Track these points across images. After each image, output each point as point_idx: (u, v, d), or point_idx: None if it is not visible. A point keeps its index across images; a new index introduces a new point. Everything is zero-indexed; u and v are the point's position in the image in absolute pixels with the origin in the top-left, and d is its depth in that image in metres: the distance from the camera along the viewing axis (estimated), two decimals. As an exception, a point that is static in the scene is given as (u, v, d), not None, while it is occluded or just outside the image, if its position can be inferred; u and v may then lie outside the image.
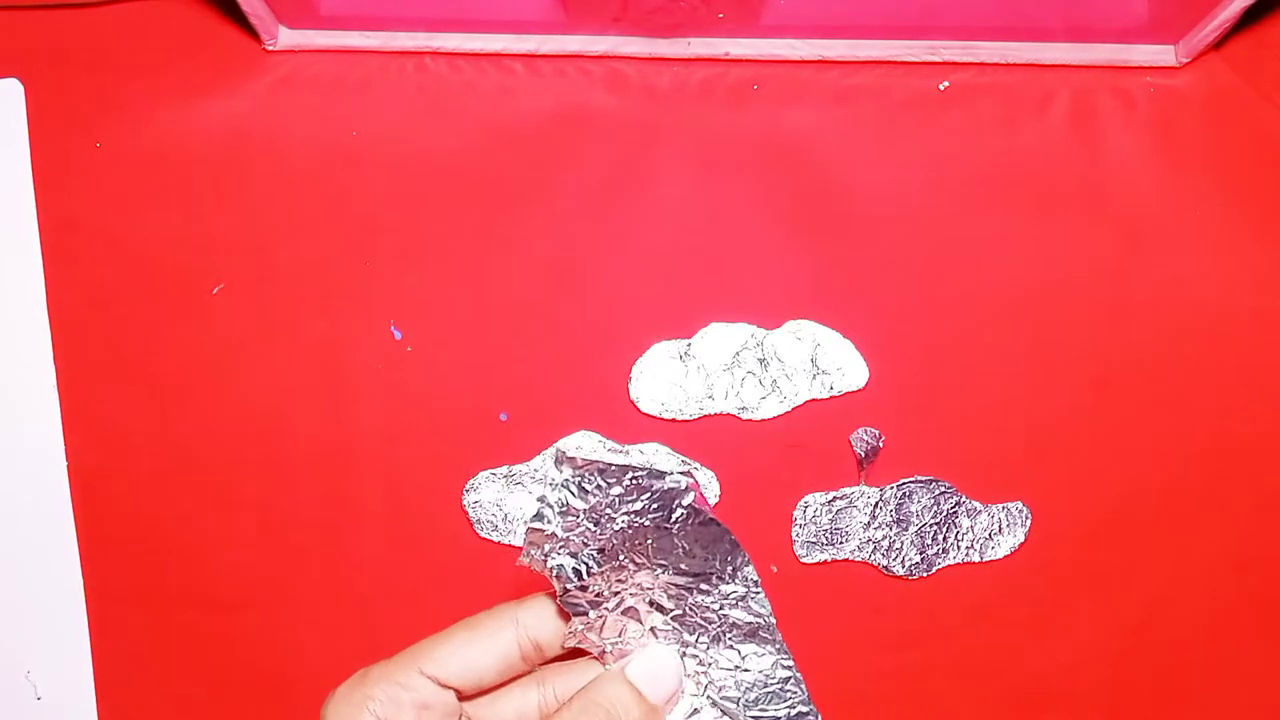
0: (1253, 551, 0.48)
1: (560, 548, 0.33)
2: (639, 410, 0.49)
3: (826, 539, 0.48)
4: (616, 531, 0.33)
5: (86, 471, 0.50)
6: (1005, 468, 0.49)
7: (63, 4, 0.55)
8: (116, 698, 0.48)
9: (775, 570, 0.48)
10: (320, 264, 0.51)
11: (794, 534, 0.48)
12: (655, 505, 0.32)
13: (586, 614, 0.34)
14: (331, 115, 0.53)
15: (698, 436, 0.49)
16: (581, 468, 0.32)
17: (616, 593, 0.34)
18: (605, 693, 0.33)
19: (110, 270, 0.52)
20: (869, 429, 0.49)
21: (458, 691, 0.33)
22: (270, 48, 0.54)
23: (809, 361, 0.49)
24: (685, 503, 0.32)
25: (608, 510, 0.33)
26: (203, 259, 0.52)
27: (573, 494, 0.33)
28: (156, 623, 0.48)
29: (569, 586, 0.34)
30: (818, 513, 0.48)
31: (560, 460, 0.33)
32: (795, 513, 0.48)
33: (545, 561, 0.33)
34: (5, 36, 0.54)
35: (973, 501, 0.48)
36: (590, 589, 0.34)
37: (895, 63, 0.53)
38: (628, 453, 0.49)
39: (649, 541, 0.33)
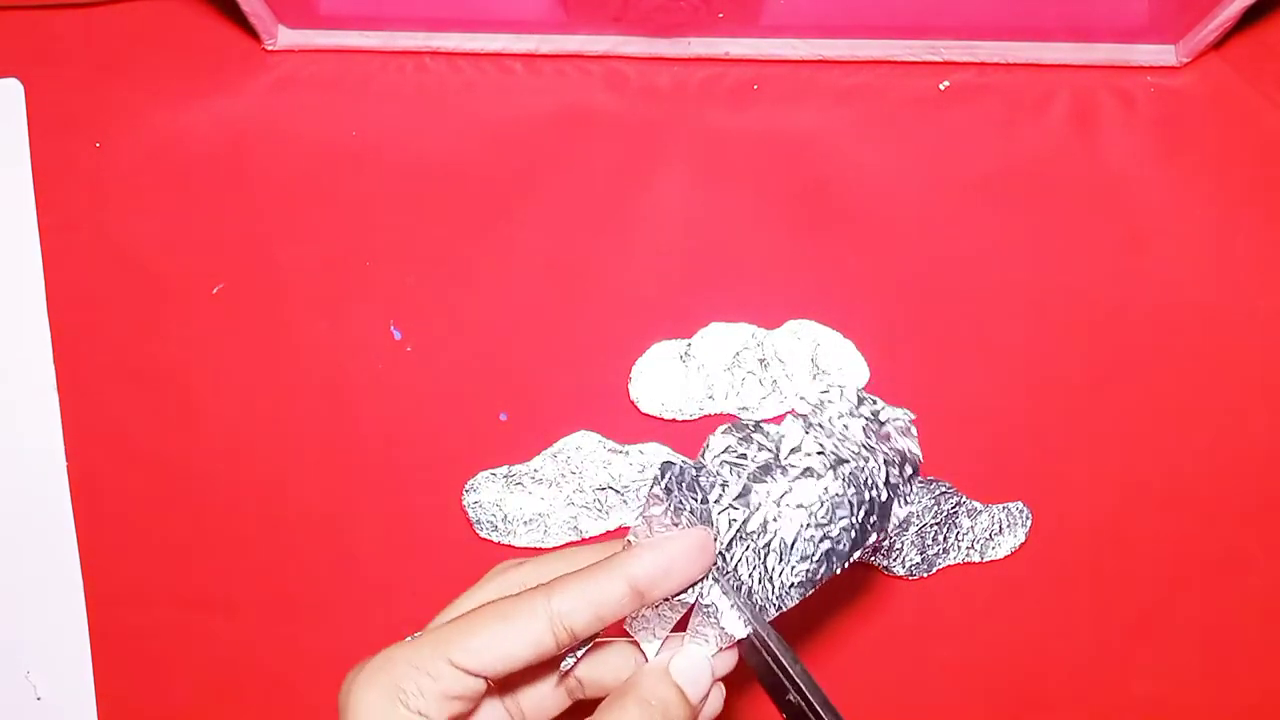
0: (1253, 551, 0.48)
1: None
2: (639, 410, 0.49)
3: (826, 539, 0.48)
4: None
5: (86, 471, 0.50)
6: (1005, 468, 0.49)
7: (63, 4, 0.55)
8: (116, 698, 0.48)
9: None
10: (320, 264, 0.51)
11: (794, 534, 0.48)
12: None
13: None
14: (331, 115, 0.53)
15: (698, 436, 0.49)
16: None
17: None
18: (655, 692, 0.33)
19: (110, 270, 0.52)
20: (869, 429, 0.49)
21: (488, 680, 0.32)
22: (270, 48, 0.54)
23: (809, 361, 0.49)
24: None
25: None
26: (203, 259, 0.52)
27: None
28: (156, 623, 0.48)
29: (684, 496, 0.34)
30: (818, 513, 0.48)
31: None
32: (795, 513, 0.48)
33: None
34: (5, 36, 0.54)
35: (973, 501, 0.48)
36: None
37: (895, 63, 0.53)
38: (627, 452, 0.49)
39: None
